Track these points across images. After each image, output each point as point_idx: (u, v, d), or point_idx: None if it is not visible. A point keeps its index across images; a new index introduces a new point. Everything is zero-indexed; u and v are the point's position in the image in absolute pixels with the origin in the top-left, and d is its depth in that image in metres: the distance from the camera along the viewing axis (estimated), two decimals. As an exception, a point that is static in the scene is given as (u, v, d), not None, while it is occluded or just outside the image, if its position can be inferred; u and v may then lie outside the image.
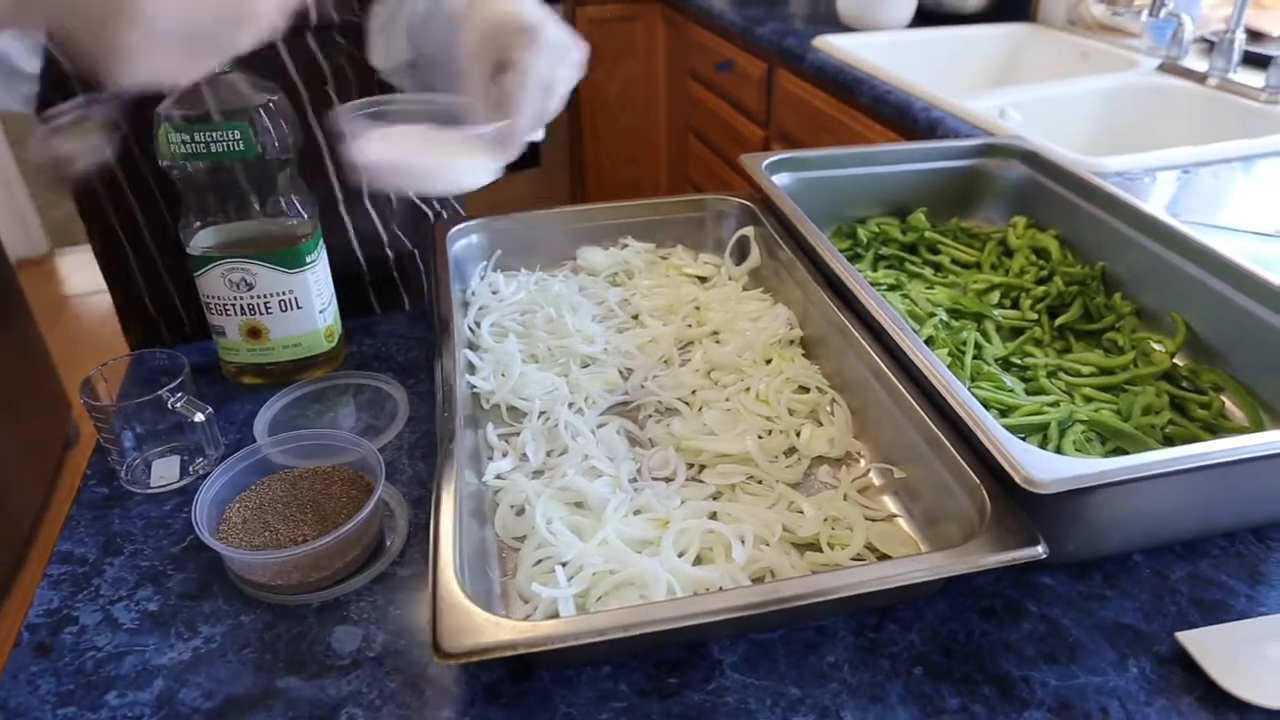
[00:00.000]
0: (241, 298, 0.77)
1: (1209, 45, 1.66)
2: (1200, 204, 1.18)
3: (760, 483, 0.71)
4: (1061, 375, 0.80)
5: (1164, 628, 0.59)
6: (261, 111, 0.73)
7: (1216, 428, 0.74)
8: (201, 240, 0.76)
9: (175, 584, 0.63)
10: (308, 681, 0.56)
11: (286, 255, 0.77)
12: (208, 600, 0.62)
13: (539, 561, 0.62)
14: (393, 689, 0.55)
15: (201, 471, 0.72)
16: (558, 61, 0.71)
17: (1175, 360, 0.81)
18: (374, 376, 0.84)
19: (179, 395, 0.71)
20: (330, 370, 0.84)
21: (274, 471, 0.69)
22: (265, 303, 0.78)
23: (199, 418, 0.71)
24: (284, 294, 0.78)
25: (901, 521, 0.67)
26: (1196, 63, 1.65)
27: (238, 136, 0.72)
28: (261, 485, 0.68)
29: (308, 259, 0.78)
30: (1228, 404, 0.76)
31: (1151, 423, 0.73)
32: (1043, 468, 0.54)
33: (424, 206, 1.09)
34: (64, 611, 0.61)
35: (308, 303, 0.79)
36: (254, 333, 0.79)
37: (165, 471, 0.72)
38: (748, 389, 0.79)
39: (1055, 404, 0.74)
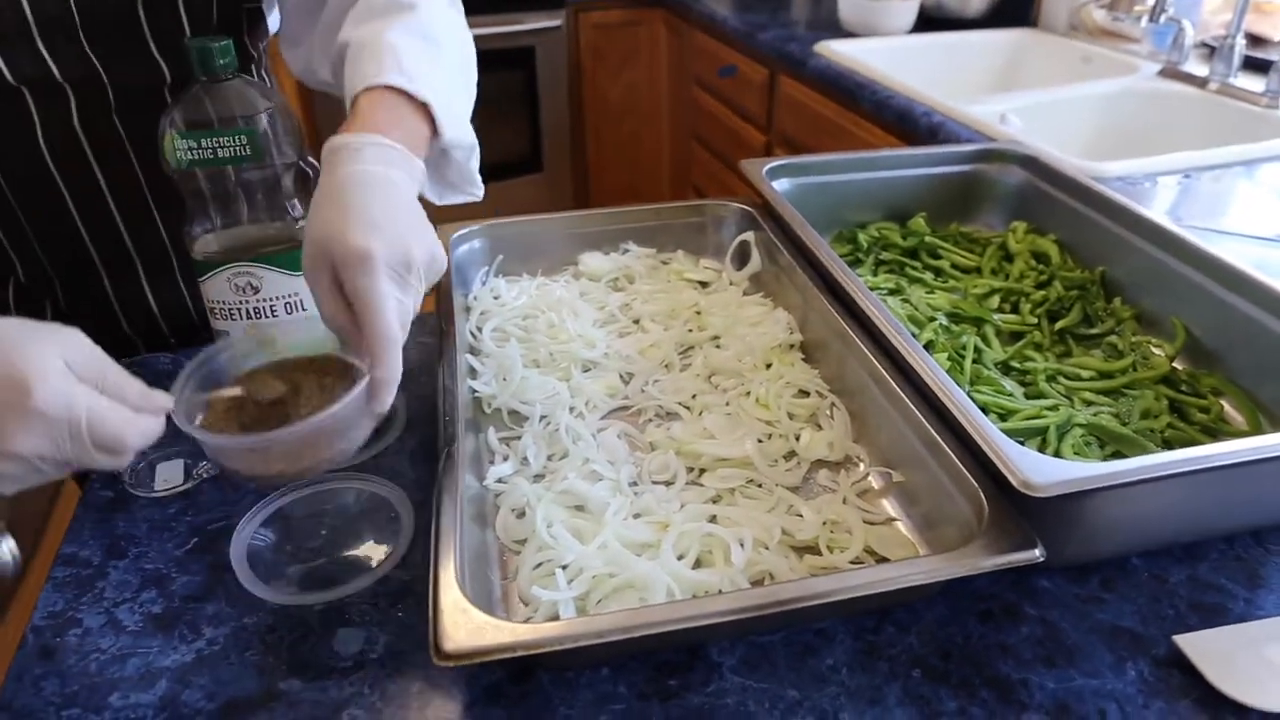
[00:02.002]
0: (247, 302, 0.78)
1: (1209, 50, 1.66)
2: (1201, 209, 1.18)
3: (760, 486, 0.71)
4: (1061, 379, 0.80)
5: (1162, 631, 0.59)
6: (265, 116, 0.73)
7: (1215, 431, 0.74)
8: (205, 246, 0.77)
9: (179, 586, 0.63)
10: (310, 683, 0.56)
11: (292, 258, 0.77)
12: (211, 603, 0.62)
13: (539, 564, 0.62)
14: (394, 691, 0.55)
15: (206, 474, 0.73)
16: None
17: (1174, 364, 0.81)
18: (376, 381, 0.84)
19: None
20: None
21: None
22: (271, 306, 0.78)
23: None
24: (290, 297, 0.78)
25: (900, 525, 0.68)
26: (1197, 68, 1.65)
27: (244, 142, 0.72)
28: (249, 375, 0.64)
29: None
30: (1227, 408, 0.76)
31: (1150, 426, 0.73)
32: (1040, 471, 0.55)
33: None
34: (68, 614, 0.61)
35: (312, 305, 0.80)
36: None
37: (169, 475, 0.72)
38: (748, 393, 0.80)
39: (1054, 408, 0.74)
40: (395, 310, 0.58)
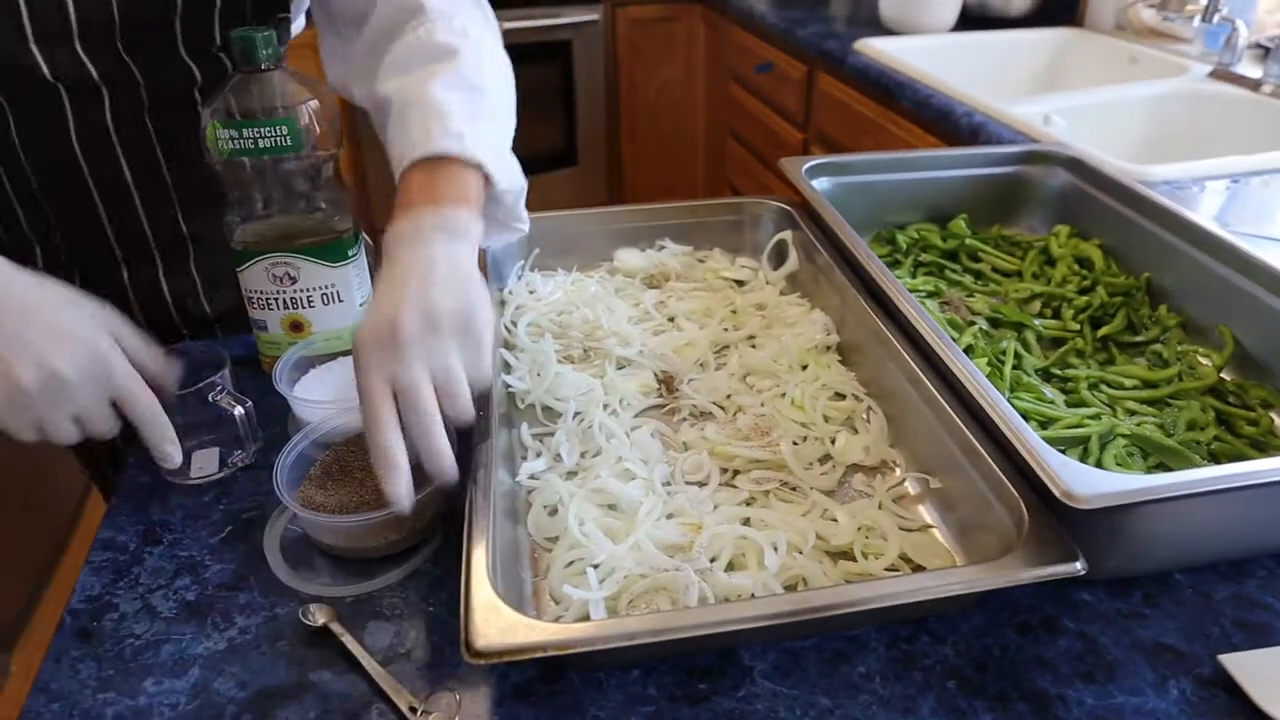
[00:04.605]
0: (284, 292, 0.78)
1: (1264, 51, 1.62)
2: (1251, 214, 1.15)
3: (794, 489, 0.70)
4: (1103, 388, 0.79)
5: (1206, 649, 0.57)
6: (306, 108, 0.74)
7: (1265, 445, 0.72)
8: (243, 235, 0.77)
9: (212, 575, 0.64)
10: (340, 675, 0.56)
11: (330, 249, 0.77)
12: (244, 591, 0.62)
13: (571, 563, 0.62)
14: (423, 686, 0.55)
15: (241, 463, 0.73)
16: None
17: (1222, 375, 0.79)
18: (410, 373, 0.84)
19: (219, 389, 0.72)
20: None
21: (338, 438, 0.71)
22: (308, 297, 0.79)
23: (239, 411, 0.72)
24: (326, 288, 0.79)
25: (936, 532, 0.67)
26: (1250, 69, 1.61)
27: (285, 132, 0.72)
28: (333, 450, 0.70)
29: (349, 253, 0.79)
30: (1277, 421, 0.74)
31: (1196, 438, 0.72)
32: (1083, 482, 0.53)
33: None
34: (105, 598, 0.62)
35: (349, 296, 0.80)
36: (296, 326, 0.80)
37: (205, 463, 0.73)
38: (783, 394, 0.79)
39: (1096, 417, 0.73)
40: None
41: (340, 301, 0.80)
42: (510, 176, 0.74)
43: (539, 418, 0.78)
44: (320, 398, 0.76)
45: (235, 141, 0.72)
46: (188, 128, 0.85)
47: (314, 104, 0.74)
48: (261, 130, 0.72)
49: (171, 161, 0.87)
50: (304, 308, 0.79)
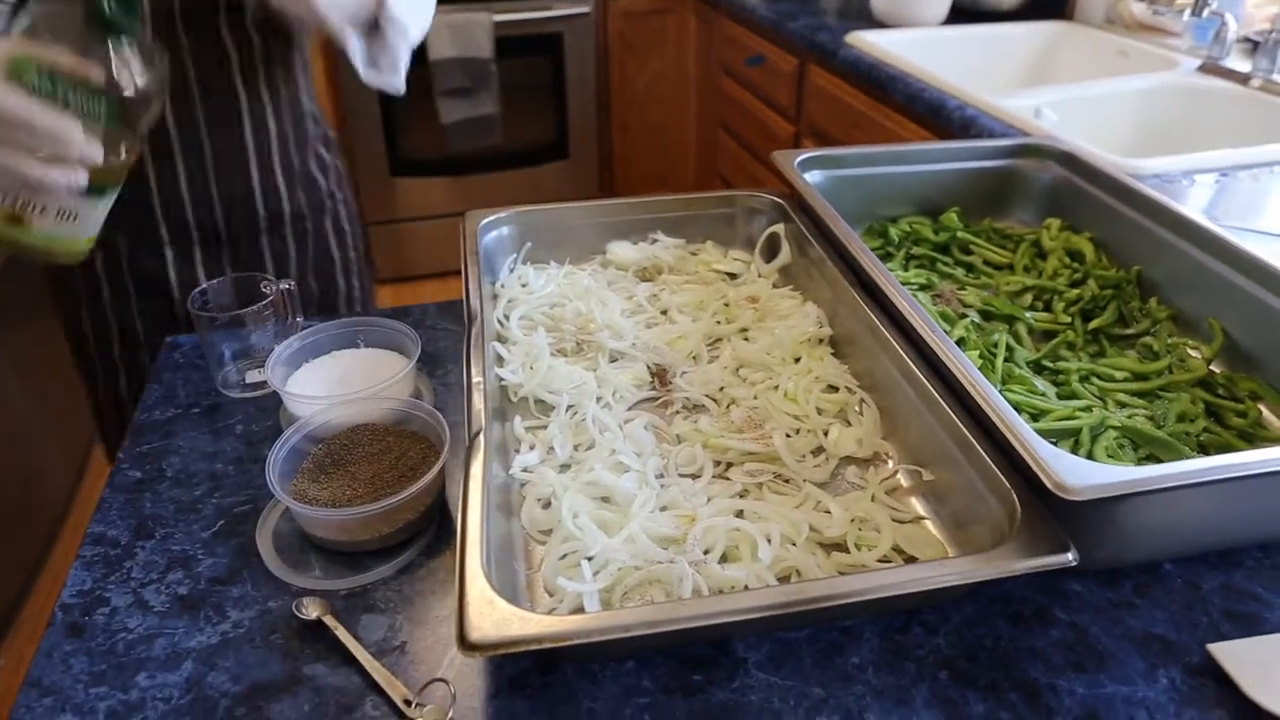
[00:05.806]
0: (21, 195, 0.69)
1: (1253, 45, 1.62)
2: (1239, 208, 1.16)
3: (788, 481, 0.71)
4: (1094, 380, 0.79)
5: (1195, 638, 0.58)
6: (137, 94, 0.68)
7: (1253, 437, 0.72)
8: None
9: (205, 568, 0.64)
10: (334, 669, 0.56)
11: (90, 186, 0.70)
12: (236, 585, 0.62)
13: (565, 555, 0.62)
14: (417, 679, 0.55)
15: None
16: None
17: (1212, 367, 0.80)
18: (403, 367, 0.84)
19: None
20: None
21: (337, 429, 0.72)
22: (42, 208, 0.71)
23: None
24: (67, 212, 0.72)
25: (929, 524, 0.67)
26: (1239, 63, 1.62)
27: (102, 109, 0.67)
28: (326, 444, 0.71)
29: (106, 191, 0.73)
30: (1265, 412, 0.75)
31: (1186, 430, 0.72)
32: (1075, 474, 0.54)
33: (320, 177, 1.12)
34: (96, 592, 0.62)
35: (86, 221, 0.73)
36: (15, 220, 0.71)
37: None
38: (776, 387, 0.79)
39: (1088, 409, 0.73)
40: None
41: (73, 222, 0.72)
42: (403, 9, 0.88)
43: (532, 411, 0.78)
44: (313, 392, 0.76)
45: (45, 88, 0.64)
46: None
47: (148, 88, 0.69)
48: (77, 99, 0.66)
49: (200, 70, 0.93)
50: (35, 212, 0.70)
